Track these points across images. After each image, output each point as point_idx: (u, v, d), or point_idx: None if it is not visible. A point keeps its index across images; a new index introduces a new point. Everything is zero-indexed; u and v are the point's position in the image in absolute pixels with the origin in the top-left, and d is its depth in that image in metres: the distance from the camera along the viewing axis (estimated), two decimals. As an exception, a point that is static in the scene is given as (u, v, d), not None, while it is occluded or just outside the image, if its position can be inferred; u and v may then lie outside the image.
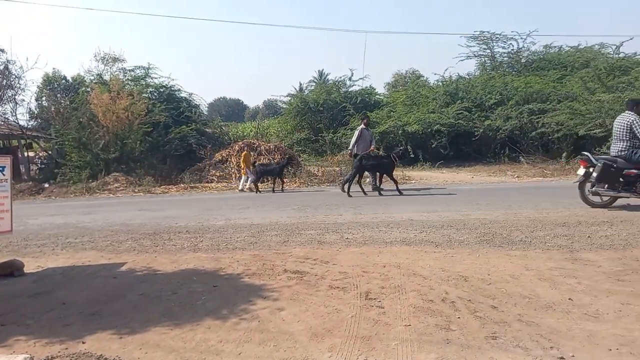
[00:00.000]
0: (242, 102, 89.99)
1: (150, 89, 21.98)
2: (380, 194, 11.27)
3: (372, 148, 12.22)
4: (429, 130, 19.45)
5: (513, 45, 25.17)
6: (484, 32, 25.36)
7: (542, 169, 16.07)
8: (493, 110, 19.74)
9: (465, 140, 19.71)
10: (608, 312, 3.74)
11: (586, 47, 24.57)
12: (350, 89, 26.76)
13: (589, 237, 6.17)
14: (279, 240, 6.79)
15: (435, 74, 36.46)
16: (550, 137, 17.84)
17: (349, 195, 11.14)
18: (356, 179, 11.82)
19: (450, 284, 4.56)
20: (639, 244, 5.74)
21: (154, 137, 18.55)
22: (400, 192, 11.32)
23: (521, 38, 24.87)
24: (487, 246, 5.96)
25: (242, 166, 13.98)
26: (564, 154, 16.77)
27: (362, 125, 12.25)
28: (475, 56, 26.14)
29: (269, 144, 17.97)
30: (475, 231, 6.78)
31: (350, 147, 12.30)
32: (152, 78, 22.50)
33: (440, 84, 24.03)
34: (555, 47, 25.47)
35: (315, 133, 25.11)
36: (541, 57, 25.05)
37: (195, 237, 7.26)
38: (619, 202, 8.48)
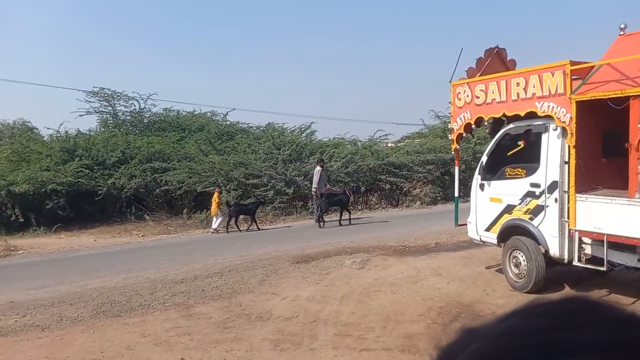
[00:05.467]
0: None
1: None
2: (341, 225, 13.57)
3: (328, 187, 14.21)
4: (43, 190, 17.17)
5: (135, 105, 25.77)
6: (104, 89, 24.96)
7: (166, 225, 16.68)
8: (117, 168, 19.37)
9: (88, 200, 18.41)
10: (214, 363, 4.02)
11: (200, 113, 27.78)
12: None
13: (202, 290, 6.64)
14: None
15: (49, 129, 32.79)
16: (173, 194, 18.86)
17: (322, 227, 13.36)
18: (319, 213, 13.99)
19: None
20: (242, 290, 6.58)
21: None
22: (350, 221, 13.73)
23: (142, 99, 25.78)
24: (104, 318, 5.54)
25: (215, 206, 14.27)
26: (185, 210, 17.98)
27: (319, 167, 14.01)
28: (97, 112, 25.33)
29: None
30: (92, 302, 6.21)
31: (315, 186, 13.91)
32: None
33: (56, 139, 21.87)
34: (174, 110, 27.59)
35: None
36: (162, 118, 26.59)
37: None
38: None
